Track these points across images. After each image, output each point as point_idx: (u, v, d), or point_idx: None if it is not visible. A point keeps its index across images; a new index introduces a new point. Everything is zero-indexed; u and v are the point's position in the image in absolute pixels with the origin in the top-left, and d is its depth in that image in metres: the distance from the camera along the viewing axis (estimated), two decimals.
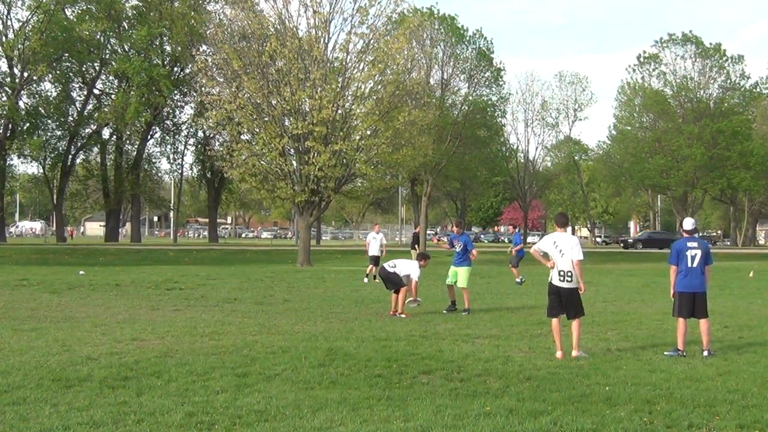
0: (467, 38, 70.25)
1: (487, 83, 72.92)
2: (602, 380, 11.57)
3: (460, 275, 20.81)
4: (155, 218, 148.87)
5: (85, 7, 71.84)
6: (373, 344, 14.64)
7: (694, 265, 14.23)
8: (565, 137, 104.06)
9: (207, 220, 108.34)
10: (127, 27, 75.75)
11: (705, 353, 14.00)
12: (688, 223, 14.85)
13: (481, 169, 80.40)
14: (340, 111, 45.27)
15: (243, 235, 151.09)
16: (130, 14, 75.93)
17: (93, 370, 11.90)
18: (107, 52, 75.66)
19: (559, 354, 13.53)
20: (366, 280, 32.16)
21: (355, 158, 45.32)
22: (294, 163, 46.43)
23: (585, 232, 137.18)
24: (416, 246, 39.25)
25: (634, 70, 78.93)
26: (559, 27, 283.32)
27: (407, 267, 20.22)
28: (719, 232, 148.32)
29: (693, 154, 69.25)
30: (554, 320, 13.96)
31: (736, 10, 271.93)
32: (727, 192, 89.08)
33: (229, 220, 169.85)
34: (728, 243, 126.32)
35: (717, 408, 9.93)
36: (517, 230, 33.57)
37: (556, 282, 13.95)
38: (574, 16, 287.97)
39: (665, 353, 13.98)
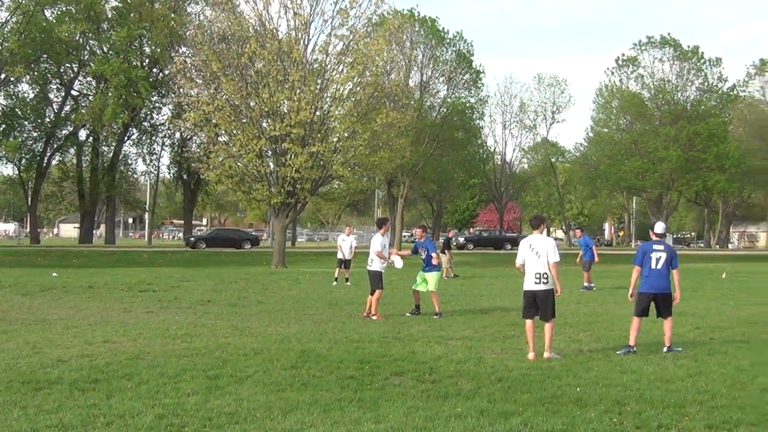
0: (447, 40, 70.51)
1: (466, 85, 73.26)
2: (573, 381, 11.62)
3: (430, 281, 20.61)
4: (130, 220, 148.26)
5: (64, 8, 71.48)
6: (346, 346, 14.64)
7: (658, 267, 14.54)
8: (543, 139, 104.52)
9: (182, 221, 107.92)
10: (106, 28, 75.39)
11: (665, 349, 14.41)
12: (659, 227, 15.21)
13: (458, 171, 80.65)
14: (318, 113, 45.25)
15: None
16: (109, 15, 75.58)
17: (63, 372, 11.85)
18: (86, 53, 75.34)
19: (531, 355, 13.58)
20: (335, 283, 31.96)
21: (332, 160, 45.30)
22: (271, 164, 46.39)
23: (560, 234, 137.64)
24: (446, 251, 38.27)
25: (612, 73, 79.40)
26: (540, 29, 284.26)
27: (381, 244, 20.23)
28: (693, 233, 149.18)
29: (669, 156, 69.63)
30: (528, 321, 13.98)
31: (716, 13, 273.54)
32: (702, 194, 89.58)
33: (204, 222, 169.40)
34: (702, 244, 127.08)
35: (686, 408, 9.99)
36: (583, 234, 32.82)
37: (531, 285, 13.98)
38: (554, 19, 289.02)
39: (617, 352, 14.22)
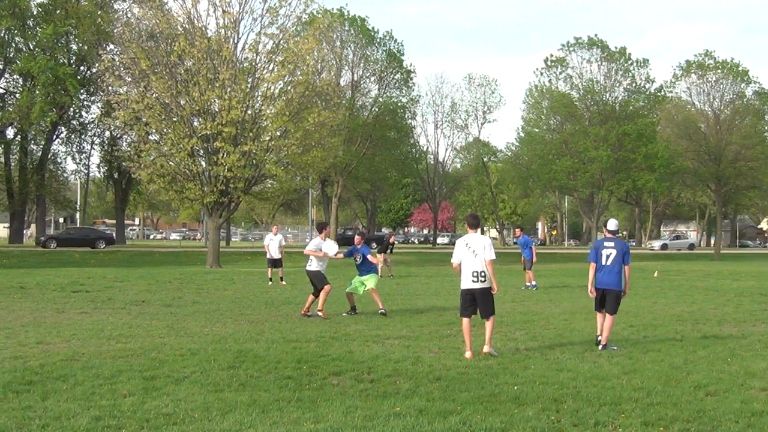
0: (377, 40, 70.51)
1: (397, 85, 73.35)
2: (511, 380, 11.67)
3: (368, 282, 20.63)
4: (61, 219, 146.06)
5: None
6: (283, 346, 14.59)
7: (608, 263, 14.82)
8: (474, 139, 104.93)
9: (114, 221, 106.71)
10: (32, 25, 74.20)
11: (600, 347, 14.56)
12: (612, 224, 15.51)
13: (391, 171, 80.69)
14: (249, 111, 45.06)
15: (151, 237, 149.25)
16: (35, 12, 74.38)
17: None
18: (11, 50, 74.08)
19: (468, 354, 13.64)
20: (270, 283, 31.81)
21: (265, 159, 45.12)
22: (203, 163, 46.13)
23: (494, 233, 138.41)
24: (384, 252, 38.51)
25: (541, 74, 79.87)
26: (469, 30, 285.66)
27: (315, 246, 20.28)
28: (625, 232, 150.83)
29: (599, 156, 70.30)
30: (465, 320, 14.03)
31: (642, 14, 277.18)
32: (632, 193, 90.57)
33: (137, 222, 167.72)
34: (633, 243, 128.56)
35: (622, 406, 10.08)
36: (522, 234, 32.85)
37: (468, 283, 14.02)
38: (483, 19, 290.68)
39: (612, 348, 14.57)
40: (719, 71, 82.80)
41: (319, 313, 19.45)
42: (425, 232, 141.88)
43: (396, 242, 41.87)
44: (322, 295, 19.84)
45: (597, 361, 13.34)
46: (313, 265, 20.11)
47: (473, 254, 13.94)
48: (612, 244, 15.04)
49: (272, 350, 14.06)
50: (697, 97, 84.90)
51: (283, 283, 31.35)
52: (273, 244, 32.74)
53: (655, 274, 38.93)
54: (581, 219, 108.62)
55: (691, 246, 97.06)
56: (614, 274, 14.86)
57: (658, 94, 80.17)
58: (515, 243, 31.02)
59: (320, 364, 12.68)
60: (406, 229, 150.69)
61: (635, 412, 9.76)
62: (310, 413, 9.53)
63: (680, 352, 14.24)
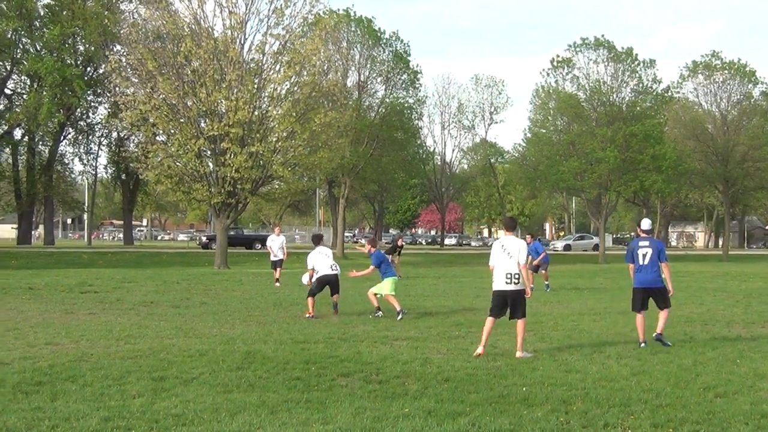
0: (384, 41, 70.38)
1: (403, 86, 73.16)
2: (519, 381, 11.66)
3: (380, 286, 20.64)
4: (69, 220, 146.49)
5: None
6: (292, 347, 14.59)
7: (646, 262, 15.17)
8: (481, 140, 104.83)
9: (122, 222, 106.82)
10: (39, 26, 74.27)
11: (654, 335, 15.16)
12: (645, 224, 16.00)
13: (398, 172, 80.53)
14: (256, 112, 45.08)
15: (159, 238, 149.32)
16: (42, 13, 74.42)
17: (6, 375, 11.69)
18: (18, 51, 74.13)
19: (480, 350, 13.78)
20: (278, 284, 31.73)
21: (272, 160, 45.12)
22: (210, 164, 46.13)
23: (501, 234, 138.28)
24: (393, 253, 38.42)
25: (548, 74, 79.56)
26: (475, 30, 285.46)
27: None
28: (632, 233, 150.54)
29: (606, 157, 70.04)
30: (491, 319, 14.19)
31: (649, 14, 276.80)
32: (639, 194, 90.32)
33: (144, 223, 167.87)
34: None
35: (632, 407, 10.06)
36: (536, 240, 32.70)
37: (502, 285, 14.12)
38: (489, 20, 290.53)
39: (642, 345, 14.88)
40: (726, 72, 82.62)
41: (307, 316, 19.68)
42: (432, 233, 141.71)
43: (404, 244, 41.75)
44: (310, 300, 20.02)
45: (606, 362, 13.32)
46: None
47: (508, 256, 14.05)
48: (647, 243, 15.41)
49: (281, 351, 14.07)
50: (704, 97, 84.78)
51: (278, 284, 31.20)
52: (275, 244, 32.70)
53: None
54: (589, 220, 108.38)
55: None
56: (654, 272, 15.23)
57: (665, 94, 79.79)
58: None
59: (329, 365, 12.69)
60: (413, 230, 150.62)
61: (644, 414, 9.74)
62: (319, 414, 9.53)
63: (689, 354, 14.22)
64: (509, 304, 14.15)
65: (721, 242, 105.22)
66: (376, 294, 20.48)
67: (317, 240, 21.39)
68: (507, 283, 14.06)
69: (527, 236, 33.12)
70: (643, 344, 14.96)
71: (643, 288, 15.25)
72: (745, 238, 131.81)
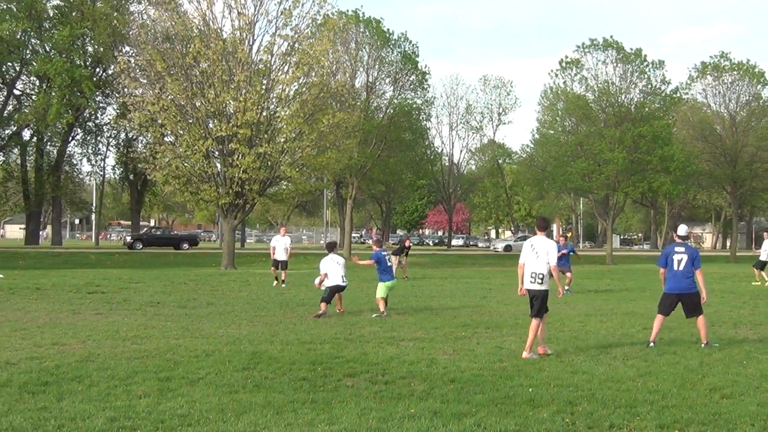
0: (392, 41, 70.37)
1: (412, 87, 73.12)
2: (525, 382, 11.66)
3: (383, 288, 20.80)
4: (77, 221, 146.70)
5: (4, 6, 70.40)
6: (298, 347, 14.61)
7: (680, 268, 15.26)
8: (489, 140, 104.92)
9: (129, 222, 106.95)
10: (48, 27, 74.43)
11: (703, 344, 15.20)
12: (682, 230, 16.13)
13: (406, 172, 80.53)
14: (264, 113, 45.08)
15: None
16: (51, 14, 74.58)
17: (12, 375, 11.71)
18: (28, 52, 74.30)
19: (540, 349, 14.10)
20: (275, 283, 31.64)
21: (280, 161, 45.14)
22: (218, 165, 46.14)
23: (508, 234, 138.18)
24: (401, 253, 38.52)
25: (556, 75, 79.43)
26: (484, 31, 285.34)
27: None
28: (640, 234, 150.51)
29: (614, 158, 69.94)
30: (535, 320, 14.18)
31: (658, 16, 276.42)
32: (647, 195, 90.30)
33: (152, 223, 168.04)
34: (648, 245, 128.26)
35: (637, 408, 10.07)
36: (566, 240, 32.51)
37: (528, 284, 14.23)
38: (498, 21, 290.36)
39: (650, 344, 15.06)
40: (735, 73, 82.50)
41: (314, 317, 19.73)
42: (440, 233, 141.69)
43: (412, 245, 41.71)
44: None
45: (612, 363, 13.32)
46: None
47: (536, 256, 14.15)
48: (683, 249, 15.51)
49: (287, 352, 14.09)
50: (712, 98, 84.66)
51: (284, 285, 31.18)
52: (279, 245, 32.65)
53: None
54: (596, 221, 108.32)
55: None
56: (688, 278, 15.32)
57: (674, 95, 79.65)
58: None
59: (335, 366, 12.71)
60: (420, 231, 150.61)
61: (650, 415, 9.75)
62: (325, 415, 9.55)
63: (696, 355, 14.21)
64: (532, 301, 14.25)
65: (728, 243, 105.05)
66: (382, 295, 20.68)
67: (331, 247, 21.50)
68: (531, 282, 14.17)
69: (561, 238, 32.92)
70: (651, 344, 15.07)
71: (676, 294, 15.41)
72: (753, 240, 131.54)
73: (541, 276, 14.07)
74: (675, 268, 15.36)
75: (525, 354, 13.83)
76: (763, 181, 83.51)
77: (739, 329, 18.30)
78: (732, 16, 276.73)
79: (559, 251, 31.11)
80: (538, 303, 14.16)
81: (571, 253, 31.59)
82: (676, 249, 15.53)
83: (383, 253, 21.27)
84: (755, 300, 26.46)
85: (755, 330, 18.13)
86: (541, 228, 14.72)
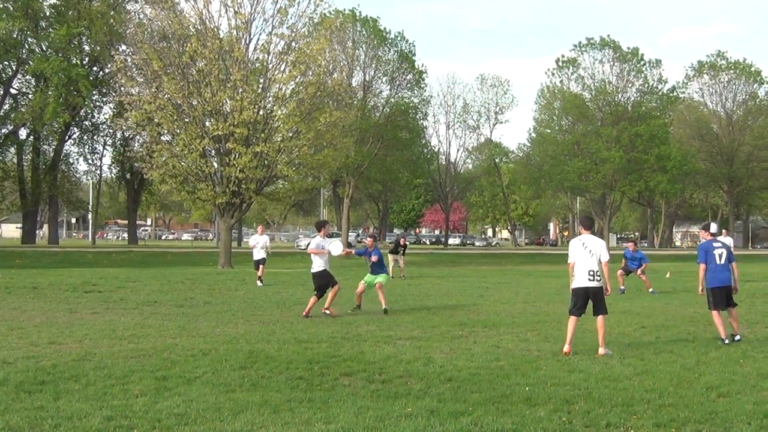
0: (389, 41, 70.43)
1: (408, 85, 73.22)
2: (522, 380, 11.65)
3: (378, 279, 21.12)
4: (73, 220, 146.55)
5: (1, 5, 70.39)
6: (295, 346, 14.60)
7: (722, 262, 15.76)
8: (486, 139, 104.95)
9: (126, 221, 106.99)
10: (45, 26, 74.44)
11: (737, 338, 15.59)
12: (714, 227, 16.77)
13: (402, 171, 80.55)
14: (261, 112, 45.09)
15: (163, 237, 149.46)
16: (47, 13, 74.61)
17: (9, 374, 11.69)
18: (24, 51, 74.28)
19: (567, 348, 14.07)
20: (260, 283, 31.36)
21: (277, 160, 45.14)
22: (215, 164, 46.14)
23: (506, 233, 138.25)
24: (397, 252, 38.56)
25: (553, 74, 79.72)
26: (481, 30, 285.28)
27: (317, 244, 20.32)
28: (637, 233, 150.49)
29: (611, 157, 70.11)
30: (574, 318, 14.37)
31: (655, 15, 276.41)
32: (644, 194, 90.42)
33: (149, 222, 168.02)
34: (645, 244, 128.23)
35: (634, 407, 10.05)
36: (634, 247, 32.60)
37: (584, 282, 14.32)
38: (495, 20, 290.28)
39: (724, 341, 15.40)
40: (731, 72, 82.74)
41: (327, 311, 19.55)
42: (437, 232, 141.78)
43: (408, 244, 41.71)
44: (330, 294, 19.99)
45: (609, 362, 13.31)
46: (316, 266, 20.13)
47: (590, 254, 14.31)
48: (720, 244, 16.12)
49: (283, 351, 14.08)
50: (709, 97, 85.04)
51: (260, 283, 31.06)
52: (258, 244, 32.50)
53: (668, 275, 38.79)
54: (593, 219, 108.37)
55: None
56: (728, 271, 15.85)
57: (671, 94, 79.82)
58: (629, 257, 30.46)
59: (331, 365, 12.70)
60: (417, 230, 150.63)
61: (647, 414, 9.74)
62: (322, 414, 9.53)
63: (692, 354, 14.21)
64: (591, 300, 14.37)
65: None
66: (381, 290, 20.87)
67: (320, 226, 21.13)
68: (590, 279, 14.28)
69: (630, 244, 32.67)
70: (726, 341, 15.43)
71: (722, 287, 15.78)
72: (749, 238, 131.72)
73: (598, 273, 14.29)
74: (717, 262, 15.77)
75: (601, 350, 14.08)
76: (759, 180, 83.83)
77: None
78: (730, 15, 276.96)
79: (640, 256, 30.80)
80: (602, 299, 14.40)
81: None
82: (714, 245, 16.05)
83: (368, 249, 21.75)
84: (752, 298, 26.44)
85: (751, 329, 18.10)
86: (587, 227, 15.07)
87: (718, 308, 15.80)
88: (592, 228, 15.22)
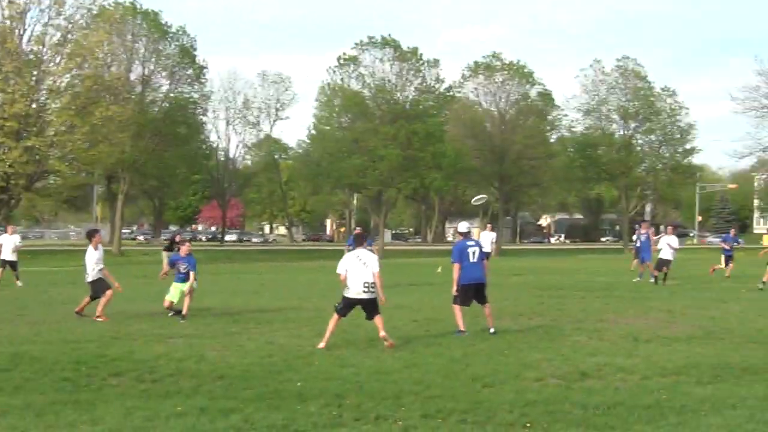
0: (170, 35, 69.44)
1: (189, 80, 72.47)
2: (294, 376, 11.72)
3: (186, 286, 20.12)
4: None
5: None
6: (62, 347, 14.20)
7: (475, 259, 16.26)
8: (266, 136, 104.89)
9: None
10: None
11: (491, 330, 16.17)
12: (463, 227, 17.11)
13: (180, 167, 79.57)
14: (33, 105, 43.69)
15: None
16: None
17: None
18: None
19: (322, 345, 14.38)
20: (20, 283, 30.17)
21: (49, 154, 43.82)
22: None
23: (283, 230, 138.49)
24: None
25: (334, 72, 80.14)
26: (264, 26, 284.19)
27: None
28: (411, 229, 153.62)
29: (389, 155, 71.06)
30: (337, 316, 14.78)
31: (436, 15, 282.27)
32: (419, 191, 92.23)
33: None
34: (419, 239, 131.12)
35: (403, 399, 10.24)
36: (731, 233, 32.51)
37: (359, 293, 14.56)
38: (280, 16, 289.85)
39: (456, 334, 15.77)
40: (506, 72, 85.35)
41: (99, 319, 18.67)
42: (213, 229, 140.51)
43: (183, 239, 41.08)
44: (103, 299, 19.11)
45: (380, 356, 13.54)
46: (91, 276, 19.44)
47: (364, 266, 14.58)
48: (473, 242, 16.93)
49: (49, 351, 13.66)
50: (484, 97, 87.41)
51: (19, 283, 30.05)
52: (7, 244, 31.14)
53: (439, 270, 39.64)
54: (369, 216, 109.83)
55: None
56: (481, 269, 16.69)
57: (447, 94, 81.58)
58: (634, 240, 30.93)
59: (100, 365, 12.43)
60: (193, 227, 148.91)
61: (415, 405, 9.93)
62: (88, 415, 9.31)
63: (460, 346, 14.59)
64: (364, 308, 14.77)
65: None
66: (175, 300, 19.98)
67: (90, 235, 20.36)
68: (364, 291, 14.55)
69: (671, 228, 32.80)
70: (466, 333, 15.94)
71: (473, 284, 16.44)
72: (518, 233, 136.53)
73: (372, 285, 14.59)
74: (471, 260, 16.28)
75: (383, 336, 14.46)
76: (528, 177, 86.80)
77: (503, 320, 18.81)
78: (506, 18, 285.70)
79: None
80: (375, 306, 14.76)
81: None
82: (468, 243, 16.59)
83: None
84: (517, 292, 27.34)
85: (516, 320, 18.75)
86: (360, 244, 15.34)
87: (465, 304, 16.42)
88: (365, 243, 15.64)
